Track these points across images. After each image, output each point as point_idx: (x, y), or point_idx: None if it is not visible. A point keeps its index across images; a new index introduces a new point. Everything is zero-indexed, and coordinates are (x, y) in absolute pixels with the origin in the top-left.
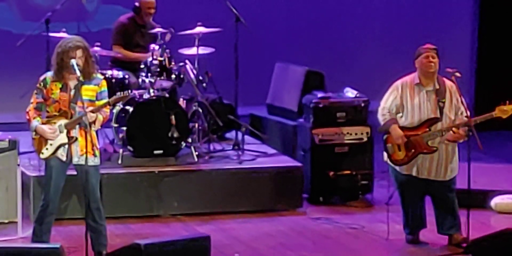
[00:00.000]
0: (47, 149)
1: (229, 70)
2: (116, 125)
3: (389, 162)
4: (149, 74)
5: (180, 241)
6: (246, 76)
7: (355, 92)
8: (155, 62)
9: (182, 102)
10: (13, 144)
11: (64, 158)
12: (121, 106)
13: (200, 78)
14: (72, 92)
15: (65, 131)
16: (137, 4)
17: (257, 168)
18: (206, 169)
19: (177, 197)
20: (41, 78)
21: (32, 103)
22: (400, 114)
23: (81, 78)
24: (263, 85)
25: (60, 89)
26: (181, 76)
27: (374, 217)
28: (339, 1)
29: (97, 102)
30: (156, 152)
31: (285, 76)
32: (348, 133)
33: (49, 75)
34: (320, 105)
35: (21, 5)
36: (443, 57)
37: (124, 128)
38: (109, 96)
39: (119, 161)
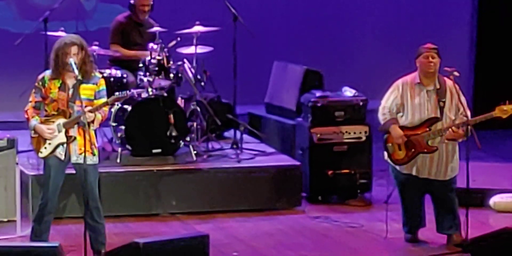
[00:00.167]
0: (45, 148)
1: (227, 69)
2: (114, 124)
3: (389, 161)
4: (147, 73)
5: (179, 240)
6: (244, 75)
7: (354, 91)
8: (153, 61)
9: (180, 101)
10: (12, 143)
11: (62, 157)
12: (120, 105)
13: (199, 77)
14: (71, 92)
15: (63, 130)
16: (132, 1)
17: (255, 167)
18: (204, 168)
19: (176, 196)
20: (40, 77)
21: (30, 102)
22: (401, 114)
23: (79, 77)
24: (262, 84)
25: (59, 88)
26: (180, 75)
27: (373, 216)
28: (338, 0)
29: (95, 101)
30: (154, 151)
31: (283, 75)
32: (346, 132)
33: (47, 73)
34: (319, 104)
35: (20, 4)
36: (442, 56)
37: (123, 127)
38: (108, 95)
39: (118, 160)
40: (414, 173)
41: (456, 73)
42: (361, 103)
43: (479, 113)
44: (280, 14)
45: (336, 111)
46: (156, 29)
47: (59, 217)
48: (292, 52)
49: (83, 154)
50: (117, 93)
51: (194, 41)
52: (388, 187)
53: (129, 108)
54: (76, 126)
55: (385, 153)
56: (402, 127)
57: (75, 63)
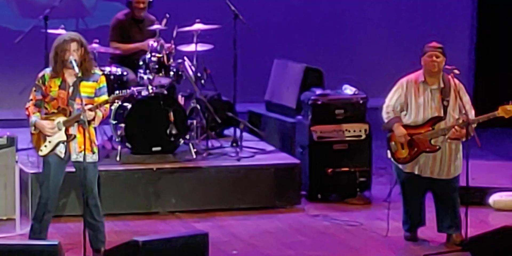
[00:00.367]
0: (45, 146)
1: (227, 67)
2: (114, 122)
3: (392, 159)
4: (147, 71)
5: (178, 238)
6: (244, 73)
7: (354, 89)
8: (153, 59)
9: (180, 99)
10: (12, 141)
11: (62, 155)
12: (120, 103)
13: (199, 75)
14: (71, 89)
15: (63, 128)
16: None
17: (255, 165)
18: (204, 166)
19: (175, 194)
20: (40, 74)
21: (31, 100)
22: (404, 112)
23: (79, 75)
24: (262, 82)
25: (59, 86)
26: (180, 73)
27: (373, 214)
28: None
29: (96, 99)
30: (154, 149)
31: (283, 73)
32: (346, 130)
33: (47, 71)
34: (319, 102)
35: (20, 1)
36: None
37: (123, 125)
38: (108, 92)
39: (117, 158)
40: (416, 172)
41: (456, 71)
42: (361, 101)
43: (479, 111)
44: (281, 12)
45: (336, 109)
46: (156, 26)
47: (59, 215)
48: (292, 50)
49: (83, 152)
50: (117, 92)
51: (195, 39)
52: (389, 185)
53: (129, 106)
54: (76, 124)
55: (388, 152)
56: (406, 126)
57: (75, 61)
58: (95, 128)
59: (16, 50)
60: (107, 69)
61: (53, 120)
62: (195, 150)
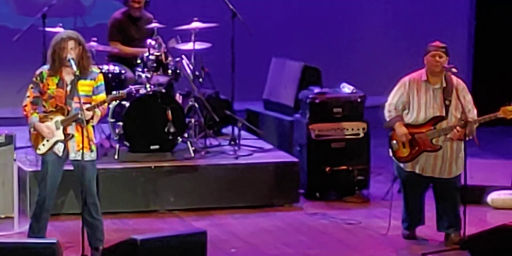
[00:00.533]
0: (43, 145)
1: (225, 65)
2: (112, 120)
3: (393, 158)
4: (145, 69)
5: (177, 236)
6: (242, 71)
7: (352, 87)
8: (151, 57)
9: (178, 97)
10: (10, 139)
11: (60, 154)
12: (118, 101)
13: (197, 73)
14: (69, 88)
15: (61, 127)
16: None
17: (253, 163)
18: (202, 164)
19: (174, 192)
20: (37, 72)
21: (28, 97)
22: (406, 111)
23: (77, 73)
24: (260, 81)
25: (57, 85)
26: (178, 71)
27: (371, 213)
28: None
29: (93, 97)
30: (152, 147)
31: (281, 72)
32: (344, 128)
33: (45, 69)
34: (317, 101)
35: None
36: None
37: (121, 123)
38: (106, 91)
39: (116, 156)
40: (417, 171)
41: (454, 70)
42: (359, 100)
43: (477, 111)
44: (279, 11)
45: (334, 107)
46: (154, 25)
47: (57, 214)
48: (290, 49)
49: (81, 150)
50: (114, 92)
51: (192, 37)
52: (387, 184)
53: (127, 104)
54: (74, 123)
55: (390, 150)
56: (407, 125)
57: (73, 59)
58: (93, 127)
59: (14, 48)
60: (105, 67)
61: (51, 118)
62: (193, 148)
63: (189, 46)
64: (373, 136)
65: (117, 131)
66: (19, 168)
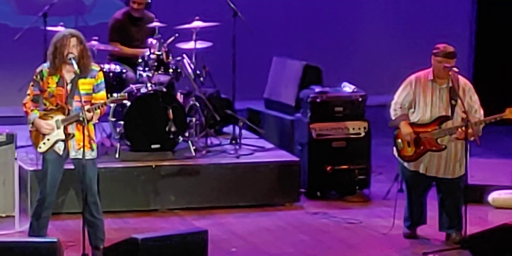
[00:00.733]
0: (44, 143)
1: (226, 64)
2: (113, 119)
3: (397, 157)
4: (146, 69)
5: (177, 236)
6: (243, 70)
7: (353, 86)
8: (152, 56)
9: (179, 97)
10: (11, 138)
11: (61, 152)
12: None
13: (198, 72)
14: (69, 87)
15: (62, 127)
16: None
17: (254, 162)
18: (203, 164)
19: (175, 192)
20: (38, 70)
21: (29, 95)
22: (412, 110)
23: (78, 72)
24: (261, 80)
25: (57, 83)
26: (179, 70)
27: (371, 212)
28: None
29: (94, 94)
30: (153, 146)
31: (282, 71)
32: (345, 127)
33: (45, 67)
34: (318, 100)
35: None
36: None
37: (122, 123)
38: (107, 90)
39: (117, 155)
40: (421, 170)
41: (455, 69)
42: (360, 99)
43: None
44: (280, 10)
45: (335, 106)
46: (155, 24)
47: (58, 213)
48: (291, 48)
49: (81, 149)
50: (115, 94)
51: (194, 37)
52: (388, 183)
53: (128, 103)
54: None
55: (394, 149)
56: (413, 124)
57: (74, 58)
58: (94, 125)
59: (15, 47)
60: (106, 66)
61: (52, 117)
62: (194, 147)
63: (190, 45)
64: (374, 135)
65: (118, 130)
66: (20, 167)
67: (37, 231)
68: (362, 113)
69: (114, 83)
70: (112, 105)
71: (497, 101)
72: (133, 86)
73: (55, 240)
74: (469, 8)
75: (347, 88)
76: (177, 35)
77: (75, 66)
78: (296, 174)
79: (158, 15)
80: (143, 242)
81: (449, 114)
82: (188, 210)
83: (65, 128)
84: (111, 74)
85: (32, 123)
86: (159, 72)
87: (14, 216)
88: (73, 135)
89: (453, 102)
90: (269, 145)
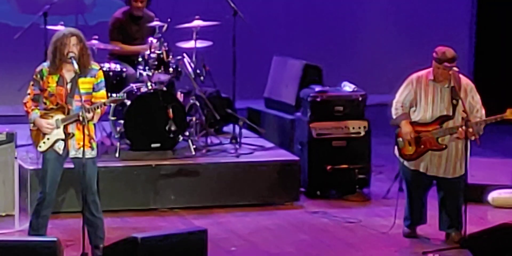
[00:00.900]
0: (44, 142)
1: (227, 63)
2: (113, 118)
3: (398, 156)
4: (146, 68)
5: (177, 235)
6: (244, 69)
7: (353, 86)
8: (153, 55)
9: (179, 96)
10: (11, 137)
11: (61, 152)
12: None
13: (198, 71)
14: (69, 86)
15: (62, 126)
16: None
17: (254, 161)
18: (203, 163)
19: (174, 191)
20: (38, 69)
21: (29, 94)
22: (414, 109)
23: (78, 71)
24: (261, 79)
25: (57, 82)
26: (179, 69)
27: (371, 211)
28: None
29: (94, 93)
30: (153, 145)
31: (283, 70)
32: (345, 127)
33: (45, 66)
34: (318, 99)
35: None
36: None
37: (122, 122)
38: (106, 88)
39: (116, 154)
40: (422, 170)
41: (455, 68)
42: (360, 98)
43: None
44: (280, 9)
45: (335, 106)
46: (155, 23)
47: (58, 212)
48: (291, 47)
49: (81, 148)
50: (114, 95)
51: (194, 36)
52: (388, 182)
53: (128, 102)
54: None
55: (395, 148)
56: (414, 123)
57: (74, 58)
58: (94, 124)
59: (15, 46)
60: (106, 65)
61: (52, 116)
62: (194, 146)
63: (190, 44)
64: (374, 134)
65: (118, 129)
66: (20, 166)
67: (36, 230)
68: (362, 113)
69: (114, 82)
70: (112, 104)
71: (498, 101)
72: (133, 85)
73: (55, 239)
74: (469, 8)
75: (347, 87)
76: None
77: (75, 65)
78: (296, 173)
79: (158, 14)
80: (142, 241)
81: (451, 113)
82: (188, 209)
83: (65, 128)
84: (111, 73)
85: (33, 123)
86: (159, 71)
87: (14, 215)
88: (73, 135)
89: (454, 101)
90: (269, 144)
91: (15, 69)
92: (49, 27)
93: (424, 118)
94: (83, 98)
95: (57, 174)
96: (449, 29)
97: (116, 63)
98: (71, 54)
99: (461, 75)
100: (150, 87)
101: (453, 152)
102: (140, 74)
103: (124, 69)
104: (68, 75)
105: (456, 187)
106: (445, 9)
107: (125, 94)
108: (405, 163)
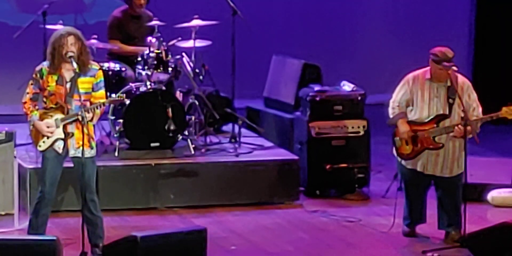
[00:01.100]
0: (44, 142)
1: (226, 63)
2: (113, 118)
3: (396, 155)
4: (146, 67)
5: (177, 234)
6: (243, 69)
7: (352, 85)
8: (152, 54)
9: (179, 95)
10: (10, 136)
11: (60, 151)
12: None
13: (197, 71)
14: (68, 85)
15: (61, 126)
16: None
17: (253, 161)
18: (202, 162)
19: (174, 190)
20: (37, 68)
21: (28, 93)
22: (411, 108)
23: (77, 70)
24: (260, 78)
25: (56, 82)
26: (178, 69)
27: (371, 210)
28: None
29: (93, 93)
30: (152, 144)
31: (282, 69)
32: (345, 126)
33: (45, 65)
34: (317, 98)
35: None
36: None
37: (121, 121)
38: (106, 88)
39: (116, 154)
40: (419, 169)
41: (454, 68)
42: (359, 98)
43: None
44: (279, 8)
45: (334, 105)
46: (154, 22)
47: (57, 210)
48: (290, 46)
49: (80, 147)
50: (113, 95)
51: (193, 35)
52: (387, 181)
53: (127, 101)
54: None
55: (393, 147)
56: (410, 122)
57: (73, 57)
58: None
59: (14, 46)
60: (105, 65)
61: (51, 116)
62: (193, 146)
63: (189, 43)
64: (373, 134)
65: (117, 128)
66: (19, 165)
67: (36, 229)
68: (361, 112)
69: (113, 81)
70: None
71: (497, 100)
72: (132, 85)
73: (54, 238)
74: (469, 8)
75: (347, 86)
76: (180, 38)
77: (75, 65)
78: (296, 173)
79: (157, 13)
80: (142, 240)
81: (447, 112)
82: (187, 208)
83: (64, 127)
84: (110, 72)
85: (33, 125)
86: (159, 70)
87: (13, 214)
88: (73, 134)
89: (450, 100)
90: (268, 144)
91: (14, 69)
92: (48, 26)
93: (420, 117)
94: (82, 98)
95: (56, 173)
96: (448, 29)
97: (115, 63)
98: (70, 54)
99: (457, 74)
100: (149, 87)
101: (450, 151)
102: (139, 73)
103: (123, 69)
104: (68, 74)
105: (453, 185)
106: (445, 9)
107: (124, 95)
108: (403, 162)
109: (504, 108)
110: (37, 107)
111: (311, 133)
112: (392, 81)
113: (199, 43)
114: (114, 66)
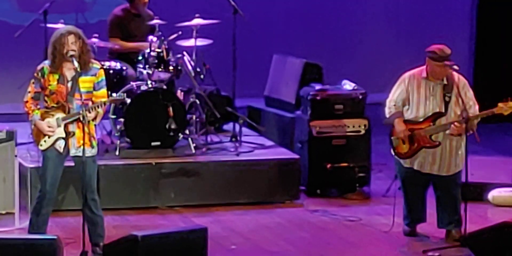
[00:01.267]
0: (45, 141)
1: (227, 62)
2: (113, 117)
3: (393, 154)
4: (146, 66)
5: (177, 233)
6: (244, 68)
7: (353, 84)
8: (153, 53)
9: (179, 94)
10: (11, 135)
11: (61, 150)
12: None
13: (198, 70)
14: (69, 84)
15: (62, 125)
16: None
17: (254, 160)
18: (203, 161)
19: (175, 189)
20: (39, 67)
21: (29, 92)
22: (407, 107)
23: (78, 69)
24: (261, 77)
25: (57, 81)
26: (179, 67)
27: (371, 210)
28: None
29: (94, 92)
30: (153, 143)
31: (283, 68)
32: (345, 125)
33: (46, 64)
34: (318, 98)
35: None
36: None
37: (122, 120)
38: (107, 87)
39: (117, 153)
40: (416, 167)
41: (455, 67)
42: (360, 97)
43: (478, 109)
44: (280, 7)
45: (335, 104)
46: (155, 21)
47: (58, 210)
48: (291, 45)
49: (81, 146)
50: (114, 94)
51: (194, 34)
52: (388, 181)
53: (128, 100)
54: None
55: (391, 146)
56: (407, 121)
57: (74, 56)
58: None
59: (15, 45)
60: (107, 64)
61: (52, 115)
62: (194, 145)
63: (190, 42)
64: (374, 133)
65: (118, 127)
66: (20, 164)
67: (37, 228)
68: (362, 111)
69: (114, 80)
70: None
71: (497, 99)
72: (133, 84)
73: (55, 237)
74: (469, 8)
75: (347, 85)
76: (180, 32)
77: (76, 64)
78: (296, 172)
79: (158, 12)
80: (143, 239)
81: (443, 110)
82: (188, 208)
83: (65, 126)
84: (111, 71)
85: (34, 125)
86: (159, 69)
87: (14, 213)
88: (74, 133)
89: (446, 98)
90: (269, 143)
91: (15, 68)
92: (49, 25)
93: (417, 116)
94: (84, 97)
95: (57, 173)
96: (449, 28)
97: (116, 62)
98: (71, 53)
99: (453, 72)
100: (150, 86)
101: (447, 149)
102: (140, 72)
103: (124, 68)
104: (69, 73)
105: (452, 184)
106: (446, 8)
107: (125, 94)
108: (400, 161)
109: (500, 104)
110: (38, 106)
111: (312, 132)
112: (393, 80)
113: (200, 42)
114: (115, 65)
